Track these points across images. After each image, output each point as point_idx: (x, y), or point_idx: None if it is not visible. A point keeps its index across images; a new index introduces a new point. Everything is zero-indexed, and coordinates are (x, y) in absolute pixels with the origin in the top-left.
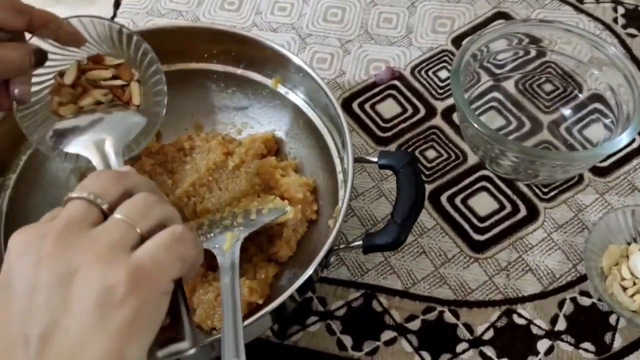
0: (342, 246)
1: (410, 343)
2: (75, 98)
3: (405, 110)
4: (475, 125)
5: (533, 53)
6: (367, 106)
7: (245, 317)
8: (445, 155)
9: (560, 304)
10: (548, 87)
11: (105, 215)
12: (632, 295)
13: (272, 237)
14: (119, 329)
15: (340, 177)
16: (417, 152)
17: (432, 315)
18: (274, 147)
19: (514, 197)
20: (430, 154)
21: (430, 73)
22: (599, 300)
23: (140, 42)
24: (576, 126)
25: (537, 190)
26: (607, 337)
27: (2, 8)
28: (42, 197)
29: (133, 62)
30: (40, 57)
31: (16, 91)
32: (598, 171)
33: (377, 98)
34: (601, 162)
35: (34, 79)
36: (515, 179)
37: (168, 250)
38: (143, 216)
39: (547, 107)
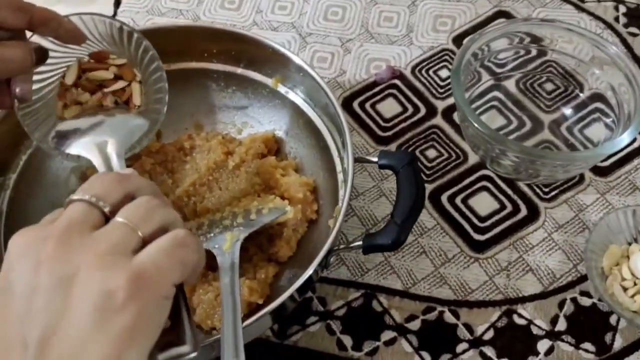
0: (342, 246)
1: (410, 343)
2: (77, 99)
3: (405, 109)
4: (476, 125)
5: (534, 52)
6: (367, 105)
7: (245, 317)
8: (446, 155)
9: (561, 304)
10: (549, 86)
11: (107, 218)
12: (632, 296)
13: (272, 236)
14: (118, 334)
15: (340, 176)
16: (417, 152)
17: (432, 316)
18: (274, 147)
19: (515, 197)
20: (431, 153)
21: (430, 72)
22: (600, 300)
23: (141, 40)
24: (577, 125)
25: (537, 190)
26: (608, 338)
27: (2, 7)
28: (42, 196)
29: (134, 60)
30: (41, 55)
31: (17, 90)
32: (599, 171)
33: (378, 97)
34: (602, 161)
35: (35, 77)
36: (515, 178)
37: (170, 254)
38: (145, 220)
39: (548, 107)
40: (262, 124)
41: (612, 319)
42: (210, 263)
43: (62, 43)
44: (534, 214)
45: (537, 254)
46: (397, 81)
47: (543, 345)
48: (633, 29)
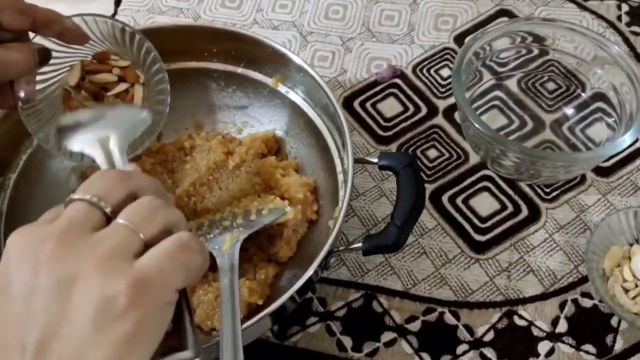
0: (341, 248)
1: (411, 344)
2: (81, 104)
3: (406, 109)
4: (476, 125)
5: (536, 52)
6: (368, 105)
7: (245, 318)
8: (447, 155)
9: (562, 306)
10: (551, 85)
11: (108, 219)
12: (633, 298)
13: (273, 237)
14: (119, 340)
15: (340, 177)
16: (418, 152)
17: (432, 316)
18: (274, 147)
19: (516, 198)
20: (432, 153)
21: (432, 71)
22: (601, 302)
23: (143, 41)
24: (579, 125)
25: (539, 191)
26: (609, 339)
27: (6, 9)
28: (42, 196)
29: (136, 61)
30: (44, 56)
31: (21, 90)
32: (601, 171)
33: (379, 97)
34: (604, 162)
35: (38, 77)
36: (517, 179)
37: (173, 259)
38: (147, 222)
39: (549, 106)
40: (263, 123)
41: (613, 321)
42: (211, 264)
43: (65, 43)
44: (535, 214)
45: (538, 255)
46: (398, 80)
47: (544, 347)
48: (636, 28)
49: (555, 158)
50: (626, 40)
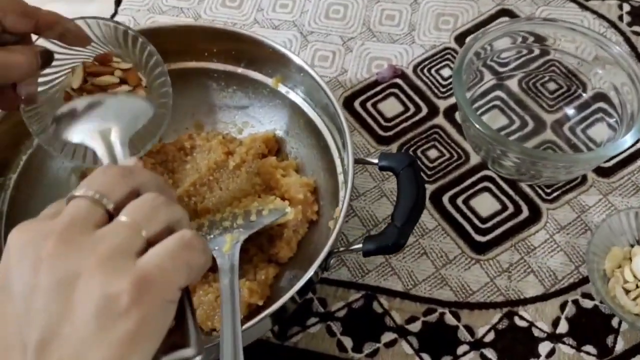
0: (342, 249)
1: (411, 345)
2: None
3: (407, 109)
4: (477, 126)
5: (537, 51)
6: (368, 105)
7: (245, 319)
8: (448, 155)
9: (562, 307)
10: (552, 86)
11: (110, 216)
12: (634, 299)
13: (273, 237)
14: (121, 339)
15: (341, 177)
16: (419, 152)
17: (432, 317)
18: (274, 147)
19: (517, 198)
20: (432, 153)
21: (432, 71)
22: (601, 302)
23: (146, 45)
24: (580, 126)
25: (539, 191)
26: (609, 340)
27: (9, 12)
28: (42, 197)
29: (138, 64)
30: (47, 59)
31: (23, 92)
32: (602, 171)
33: (379, 97)
34: (605, 162)
35: (40, 79)
36: (517, 179)
37: (175, 257)
38: (149, 219)
39: (550, 106)
40: (263, 123)
41: (614, 322)
42: (211, 264)
43: (67, 45)
44: (535, 215)
45: (538, 256)
46: (398, 80)
47: (544, 348)
48: (637, 28)
49: (556, 159)
50: (627, 40)
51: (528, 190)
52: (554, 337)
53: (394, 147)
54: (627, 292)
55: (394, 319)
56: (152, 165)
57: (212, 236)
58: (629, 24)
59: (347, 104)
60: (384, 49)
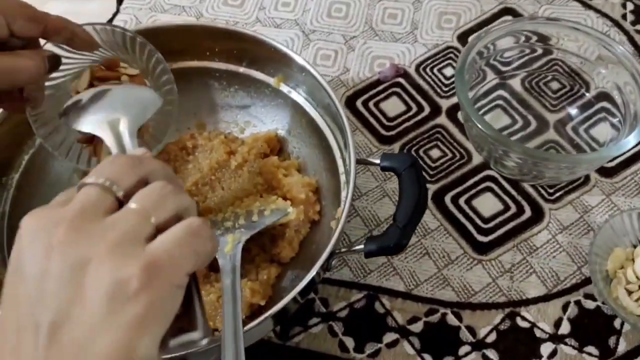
0: (343, 250)
1: (413, 345)
2: None
3: (409, 108)
4: (479, 126)
5: (539, 51)
6: (371, 104)
7: (247, 319)
8: (450, 155)
9: (564, 307)
10: (555, 85)
11: (120, 203)
12: (637, 300)
13: (275, 237)
14: (130, 323)
15: (343, 177)
16: (421, 152)
17: (434, 317)
18: (276, 146)
19: (519, 198)
20: (435, 153)
21: (435, 70)
22: (604, 303)
23: (154, 52)
24: (583, 125)
25: (542, 191)
26: (611, 341)
27: (18, 17)
28: (45, 196)
29: (145, 70)
30: (54, 63)
31: (30, 96)
32: (604, 172)
33: (381, 96)
34: (608, 162)
35: (47, 83)
36: (520, 179)
37: (183, 244)
38: (158, 207)
39: (553, 106)
40: (265, 123)
41: (616, 323)
42: (213, 264)
43: (75, 50)
44: (538, 215)
45: (541, 256)
46: (401, 79)
47: (546, 349)
48: None
49: (559, 159)
50: (631, 40)
51: (530, 190)
52: (556, 338)
53: (396, 147)
54: (630, 293)
55: (396, 319)
56: None
57: None
58: (633, 23)
59: (349, 103)
60: (386, 47)
